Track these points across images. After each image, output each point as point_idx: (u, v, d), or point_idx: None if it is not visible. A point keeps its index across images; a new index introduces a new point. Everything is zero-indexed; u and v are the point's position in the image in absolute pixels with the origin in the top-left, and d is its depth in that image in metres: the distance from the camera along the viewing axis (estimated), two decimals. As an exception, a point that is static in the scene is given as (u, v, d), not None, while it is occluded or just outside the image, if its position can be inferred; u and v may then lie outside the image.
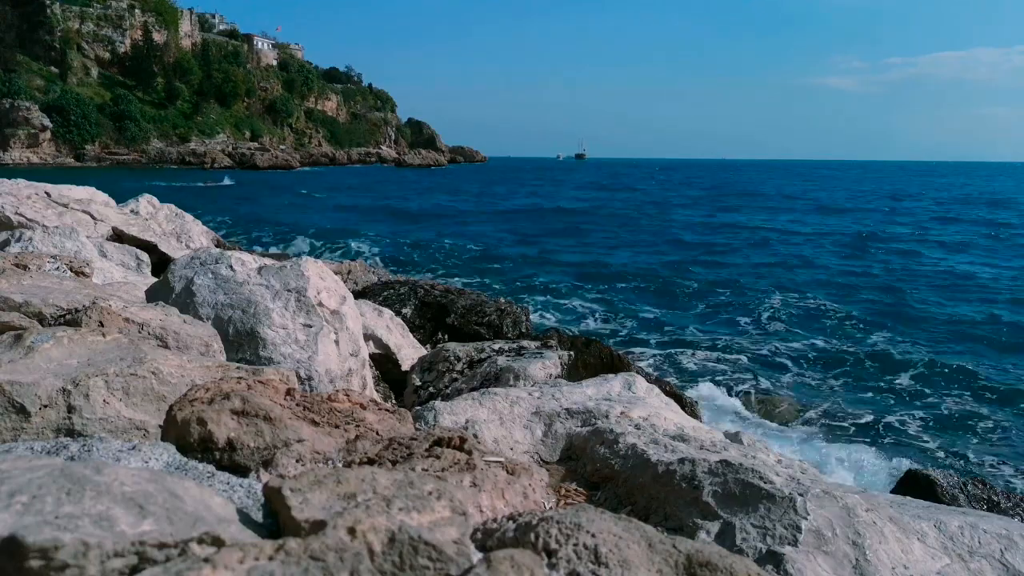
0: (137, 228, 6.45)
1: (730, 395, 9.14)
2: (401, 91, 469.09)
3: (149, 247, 6.10)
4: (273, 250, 17.64)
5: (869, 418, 8.55)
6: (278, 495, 1.08)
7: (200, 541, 0.91)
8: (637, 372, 4.14)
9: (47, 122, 73.05)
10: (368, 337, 4.52)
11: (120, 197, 7.84)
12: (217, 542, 0.92)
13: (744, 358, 10.94)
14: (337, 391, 1.78)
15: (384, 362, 4.81)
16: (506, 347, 4.47)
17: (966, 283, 18.00)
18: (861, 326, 13.11)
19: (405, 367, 4.81)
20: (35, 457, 1.14)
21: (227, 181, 56.02)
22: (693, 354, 11.05)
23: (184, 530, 0.92)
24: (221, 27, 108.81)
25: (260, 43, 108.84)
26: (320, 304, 3.22)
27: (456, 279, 15.89)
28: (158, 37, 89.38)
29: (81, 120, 75.41)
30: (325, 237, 23.87)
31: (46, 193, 6.19)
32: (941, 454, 7.61)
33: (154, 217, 7.60)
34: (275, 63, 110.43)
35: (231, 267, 3.23)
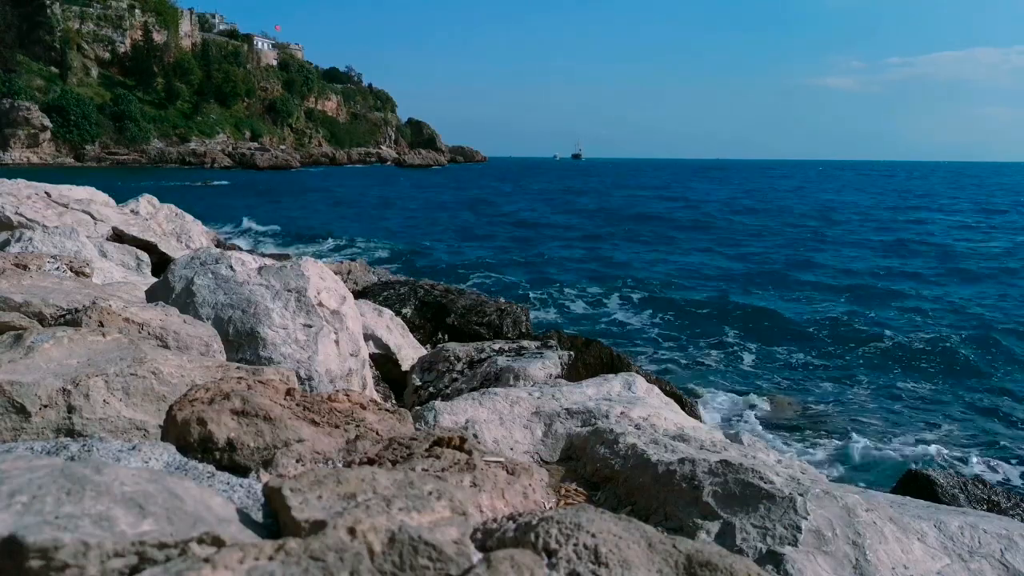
0: (137, 228, 6.45)
1: (730, 395, 9.14)
2: (401, 91, 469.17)
3: (149, 247, 6.10)
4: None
5: (869, 418, 8.55)
6: (278, 495, 1.08)
7: (200, 541, 0.91)
8: (636, 372, 4.14)
9: (47, 122, 73.03)
10: (368, 337, 4.52)
11: (120, 197, 7.85)
12: (217, 542, 0.92)
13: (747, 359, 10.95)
14: (337, 391, 1.78)
15: (384, 362, 4.81)
16: (506, 347, 4.47)
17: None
18: (861, 326, 13.11)
19: (405, 367, 4.81)
20: (35, 457, 1.14)
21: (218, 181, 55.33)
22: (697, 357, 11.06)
23: (184, 530, 0.92)
24: (221, 27, 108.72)
25: (260, 43, 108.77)
26: (320, 304, 3.22)
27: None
28: (158, 37, 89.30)
29: (81, 120, 75.38)
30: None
31: (46, 193, 6.19)
32: (941, 454, 7.61)
33: (154, 217, 7.60)
34: (275, 63, 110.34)
35: (231, 267, 3.23)
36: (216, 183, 53.50)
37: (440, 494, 1.11)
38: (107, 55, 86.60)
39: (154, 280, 4.05)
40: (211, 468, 1.36)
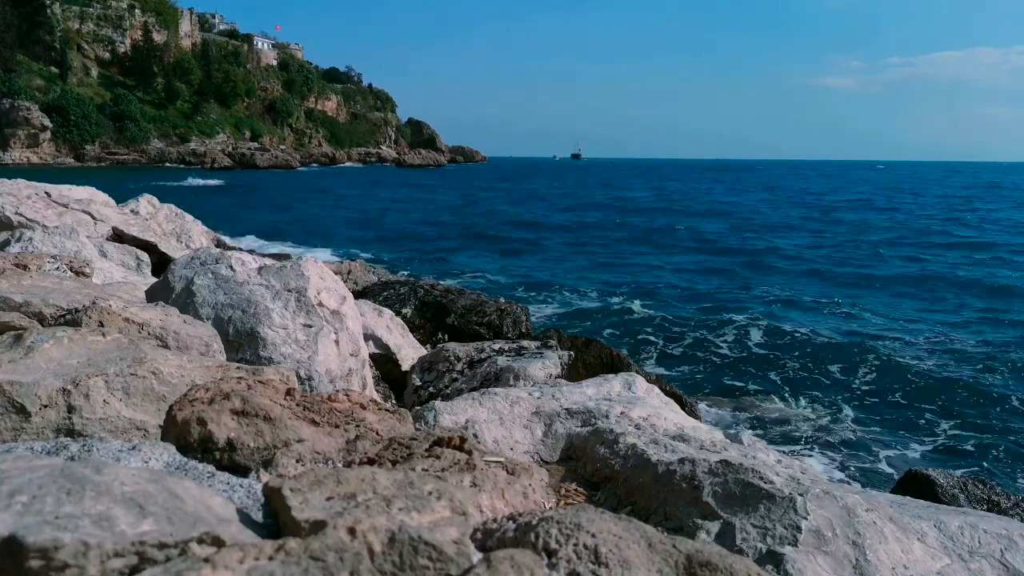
0: (137, 228, 6.45)
1: (731, 395, 9.14)
2: (401, 91, 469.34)
3: (149, 247, 6.10)
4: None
5: (869, 418, 8.55)
6: (278, 495, 1.08)
7: (200, 541, 0.91)
8: (636, 372, 4.14)
9: (47, 122, 73.03)
10: (368, 337, 4.52)
11: (120, 197, 7.85)
12: (217, 542, 0.92)
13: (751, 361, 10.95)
14: (337, 391, 1.78)
15: (384, 362, 4.81)
16: (506, 347, 4.47)
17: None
18: (860, 328, 13.11)
19: (405, 367, 4.81)
20: (35, 457, 1.14)
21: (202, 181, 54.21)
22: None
23: (184, 530, 0.92)
24: (221, 27, 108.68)
25: (260, 43, 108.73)
26: (320, 304, 3.22)
27: None
28: (158, 37, 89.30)
29: (81, 120, 75.39)
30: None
31: (46, 193, 6.19)
32: (941, 454, 7.61)
33: (154, 217, 7.60)
34: (275, 63, 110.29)
35: (231, 267, 3.23)
36: (201, 182, 52.80)
37: (440, 494, 1.11)
38: (107, 55, 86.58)
39: (154, 280, 4.05)
40: (211, 468, 1.36)
